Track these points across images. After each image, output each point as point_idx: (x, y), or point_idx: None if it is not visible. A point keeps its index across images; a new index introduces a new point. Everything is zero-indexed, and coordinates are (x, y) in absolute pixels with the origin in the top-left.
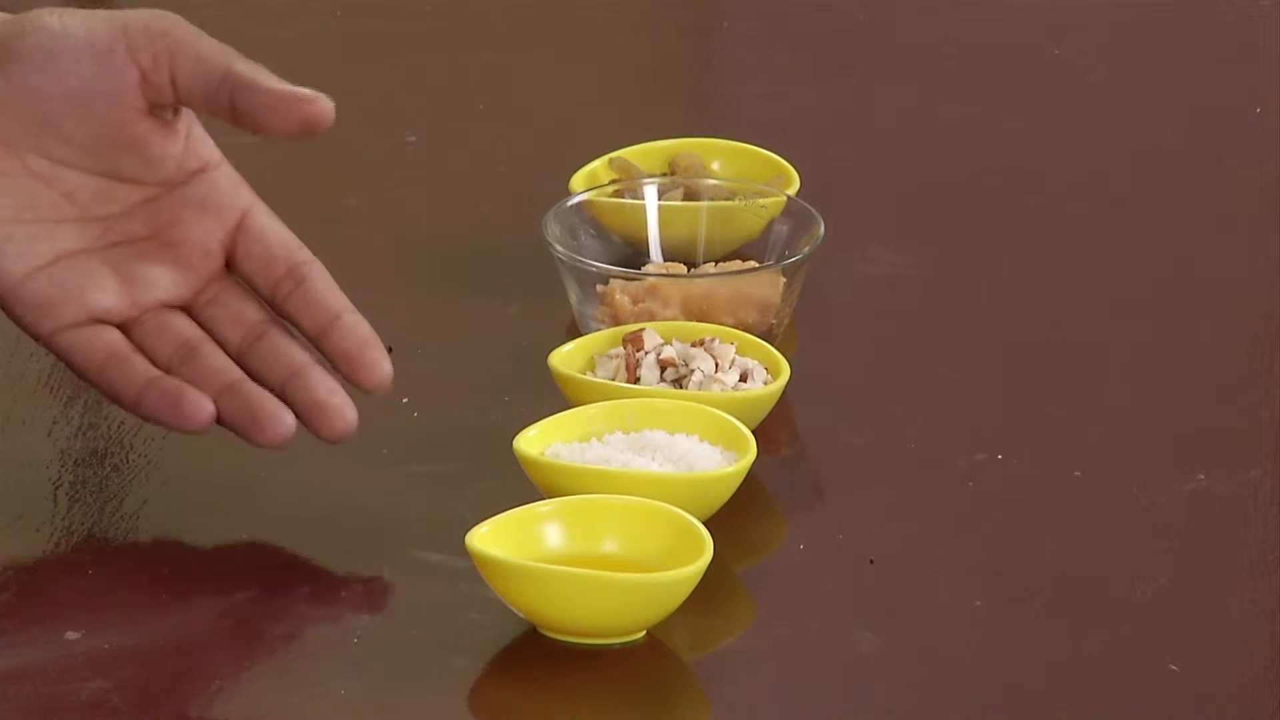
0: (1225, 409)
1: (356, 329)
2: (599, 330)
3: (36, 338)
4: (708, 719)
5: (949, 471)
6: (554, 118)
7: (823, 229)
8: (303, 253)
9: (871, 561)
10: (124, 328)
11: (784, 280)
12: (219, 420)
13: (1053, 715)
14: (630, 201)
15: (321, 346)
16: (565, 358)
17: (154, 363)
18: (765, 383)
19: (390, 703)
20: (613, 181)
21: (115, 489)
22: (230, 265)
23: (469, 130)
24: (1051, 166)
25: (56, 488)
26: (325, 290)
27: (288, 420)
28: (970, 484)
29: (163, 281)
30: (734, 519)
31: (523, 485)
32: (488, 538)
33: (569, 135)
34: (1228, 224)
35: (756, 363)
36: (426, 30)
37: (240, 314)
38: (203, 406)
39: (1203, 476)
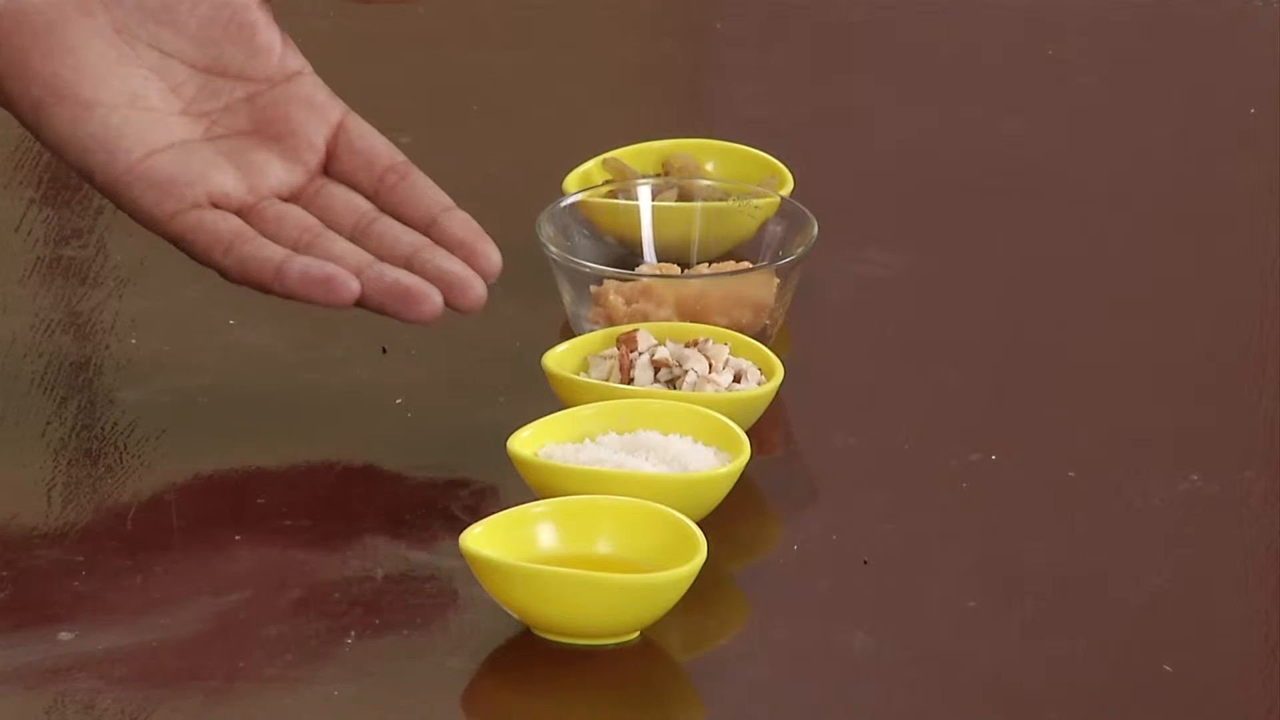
0: (1219, 409)
1: (466, 221)
2: (593, 331)
3: (155, 221)
4: None
5: (943, 472)
6: (547, 118)
7: (816, 230)
8: (400, 155)
9: (865, 562)
10: (242, 214)
11: (778, 281)
12: (359, 301)
13: (1046, 716)
14: (624, 202)
15: (430, 236)
16: (559, 358)
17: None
18: (759, 383)
19: (384, 704)
20: (606, 182)
21: (109, 489)
22: (328, 166)
23: (462, 131)
24: (1046, 167)
25: (50, 488)
26: (429, 186)
27: (436, 299)
28: (964, 484)
29: (274, 169)
30: (728, 520)
31: (517, 486)
32: (481, 538)
33: (562, 136)
34: (1222, 224)
35: (750, 363)
36: (420, 31)
37: (350, 203)
38: (349, 284)
39: (1196, 477)
